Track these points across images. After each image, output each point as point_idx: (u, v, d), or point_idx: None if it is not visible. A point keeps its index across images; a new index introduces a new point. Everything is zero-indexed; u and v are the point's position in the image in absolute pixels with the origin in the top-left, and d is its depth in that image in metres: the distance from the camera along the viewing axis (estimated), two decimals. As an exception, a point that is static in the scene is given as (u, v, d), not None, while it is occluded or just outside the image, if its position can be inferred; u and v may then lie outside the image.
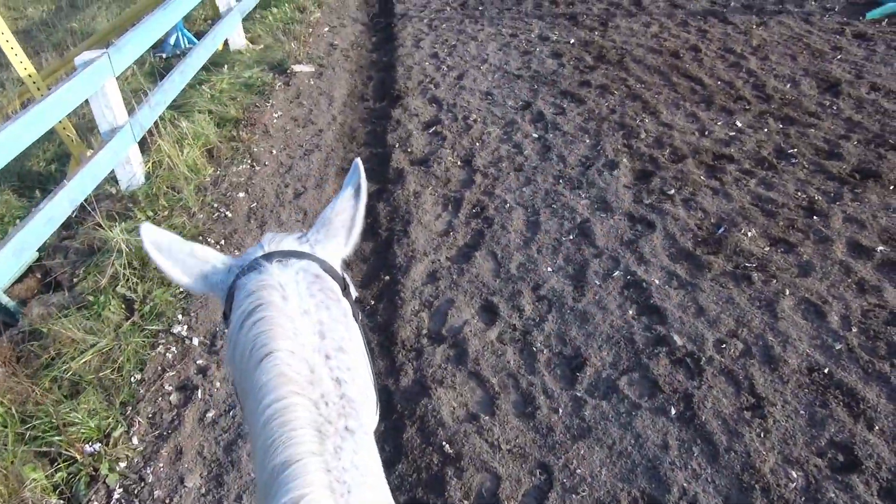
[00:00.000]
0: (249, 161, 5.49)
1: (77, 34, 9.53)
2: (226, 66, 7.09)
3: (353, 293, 1.36)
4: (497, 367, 3.42)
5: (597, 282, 3.90)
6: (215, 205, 4.92)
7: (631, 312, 3.66)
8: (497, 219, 4.57)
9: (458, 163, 5.35)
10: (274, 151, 5.68)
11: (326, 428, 1.02)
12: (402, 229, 4.59)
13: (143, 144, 5.37)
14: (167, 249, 1.29)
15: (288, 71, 7.03)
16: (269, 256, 1.21)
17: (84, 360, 3.46)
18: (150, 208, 4.76)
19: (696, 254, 4.04)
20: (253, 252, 1.26)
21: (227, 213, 4.84)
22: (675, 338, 3.42)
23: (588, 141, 5.42)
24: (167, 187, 4.96)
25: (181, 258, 1.29)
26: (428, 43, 7.78)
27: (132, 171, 5.04)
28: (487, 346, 3.55)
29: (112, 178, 5.06)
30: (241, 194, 5.05)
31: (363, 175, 1.39)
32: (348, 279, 1.34)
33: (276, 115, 6.20)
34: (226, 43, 7.66)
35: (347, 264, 1.53)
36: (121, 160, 4.86)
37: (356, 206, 1.36)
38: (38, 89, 5.16)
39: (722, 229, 4.23)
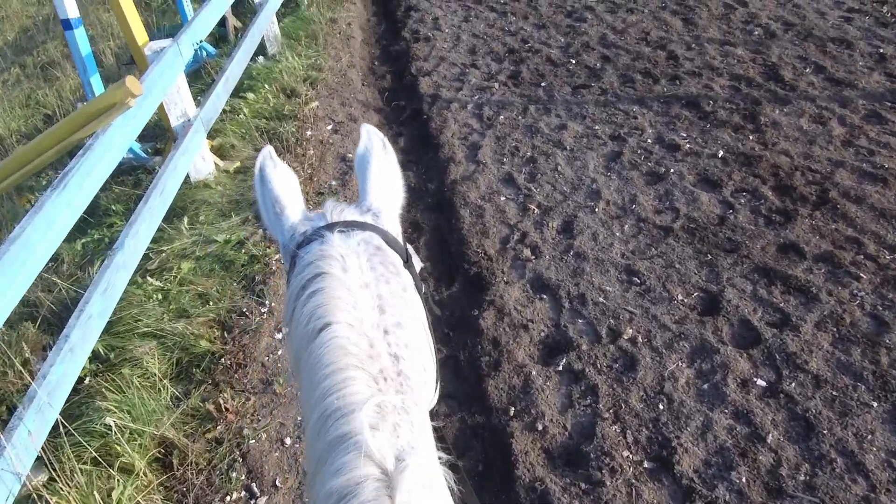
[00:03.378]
0: (247, 478, 2.85)
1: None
2: (185, 219, 4.42)
3: (417, 264, 1.30)
4: None
5: None
6: None
7: None
8: None
9: (645, 464, 2.81)
10: (287, 441, 3.05)
11: (385, 404, 0.94)
12: None
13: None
14: (269, 182, 1.31)
15: (287, 226, 4.37)
16: (331, 227, 1.17)
17: None
18: None
19: None
20: (316, 220, 1.22)
21: None
22: None
23: (876, 405, 2.92)
24: None
25: (269, 200, 1.29)
26: (489, 152, 5.18)
27: (-3, 570, 2.37)
28: None
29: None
30: None
31: (376, 130, 1.36)
32: (411, 249, 1.28)
33: (279, 352, 3.54)
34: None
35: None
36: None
37: (392, 160, 1.33)
38: None
39: None
